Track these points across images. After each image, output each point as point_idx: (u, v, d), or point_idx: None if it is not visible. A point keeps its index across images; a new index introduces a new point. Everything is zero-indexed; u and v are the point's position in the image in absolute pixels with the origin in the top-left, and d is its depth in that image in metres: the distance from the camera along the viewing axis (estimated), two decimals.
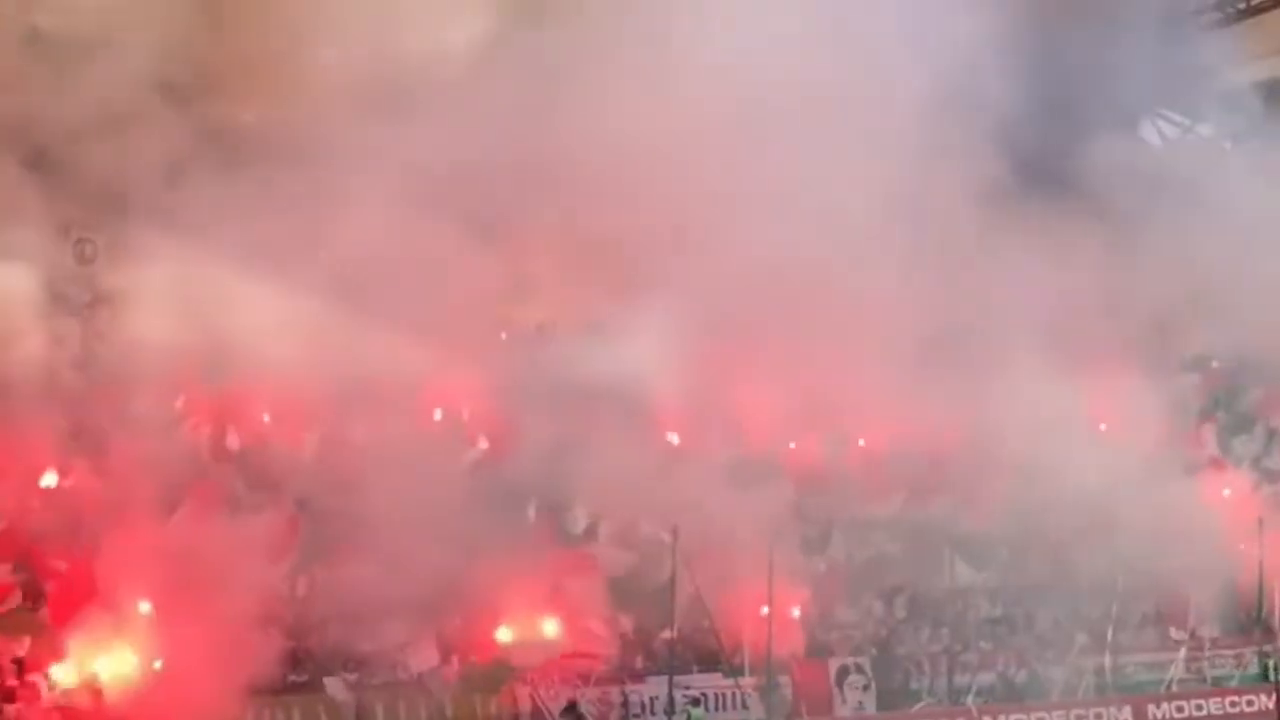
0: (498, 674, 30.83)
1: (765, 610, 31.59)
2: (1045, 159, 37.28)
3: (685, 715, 31.45)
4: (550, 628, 31.76)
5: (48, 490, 30.97)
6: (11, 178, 31.61)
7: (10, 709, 27.91)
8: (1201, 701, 34.66)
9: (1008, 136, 34.30)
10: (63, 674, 28.20)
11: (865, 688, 33.73)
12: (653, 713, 31.78)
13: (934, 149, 32.94)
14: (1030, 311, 34.90)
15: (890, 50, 33.20)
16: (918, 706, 33.58)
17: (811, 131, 33.04)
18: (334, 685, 30.08)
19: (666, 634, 31.90)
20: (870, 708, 33.56)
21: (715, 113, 33.26)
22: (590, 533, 34.28)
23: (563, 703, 31.03)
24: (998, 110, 33.59)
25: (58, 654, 28.21)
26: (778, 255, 32.81)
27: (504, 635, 31.56)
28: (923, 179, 33.24)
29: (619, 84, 32.56)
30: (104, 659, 28.20)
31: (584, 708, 31.08)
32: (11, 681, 28.31)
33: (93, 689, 27.91)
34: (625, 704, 31.68)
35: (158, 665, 28.23)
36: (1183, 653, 35.88)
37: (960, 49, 33.01)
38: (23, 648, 28.46)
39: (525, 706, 31.11)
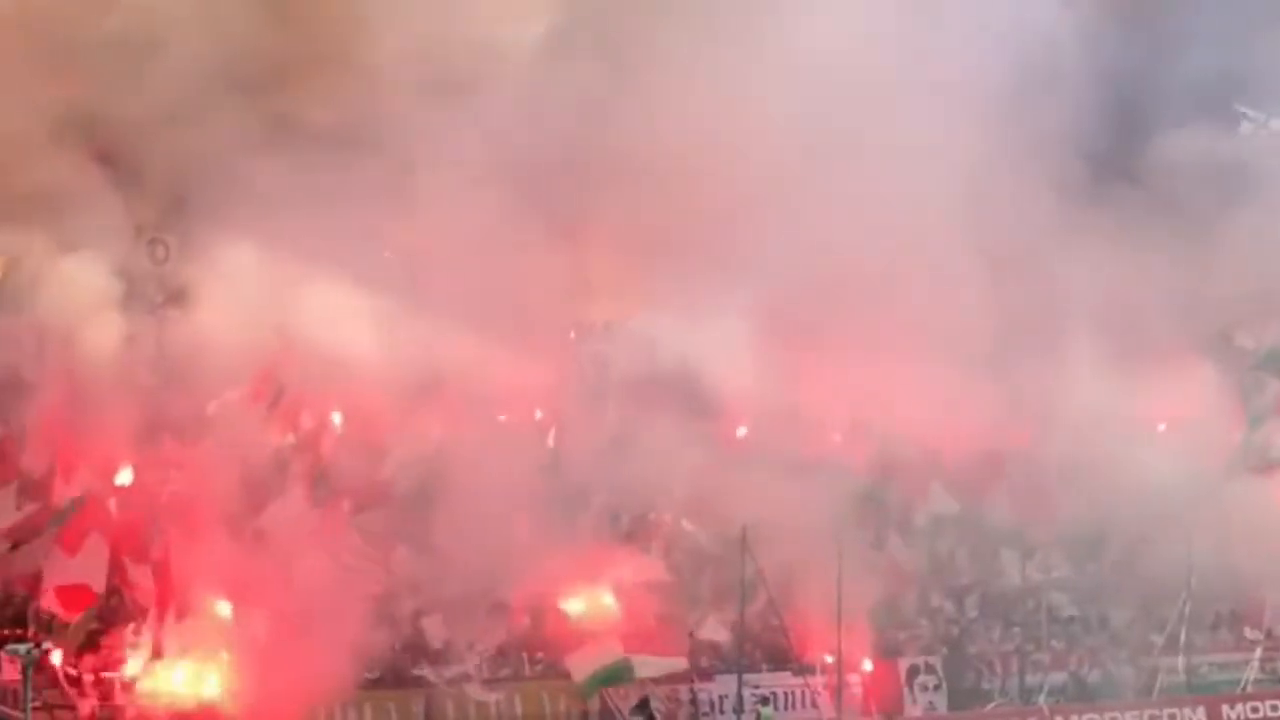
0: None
1: (837, 609, 31.59)
2: (1116, 152, 36.97)
3: (755, 714, 31.41)
4: (614, 624, 31.74)
5: (123, 488, 31.21)
6: (86, 178, 31.86)
7: (86, 705, 28.24)
8: (1277, 702, 34.35)
9: (1077, 130, 34.05)
10: (140, 673, 28.51)
11: (936, 687, 33.63)
12: (722, 711, 31.76)
13: (1003, 143, 32.75)
14: (1103, 307, 34.66)
15: (963, 43, 33.03)
16: (989, 706, 33.45)
17: (880, 125, 32.92)
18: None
19: (735, 632, 31.92)
20: (941, 707, 33.46)
21: (784, 107, 33.20)
22: (658, 530, 34.24)
23: (633, 701, 31.07)
24: (1067, 104, 33.36)
25: (137, 653, 28.57)
26: (844, 250, 32.73)
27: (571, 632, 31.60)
28: (991, 173, 33.04)
29: (690, 77, 32.56)
30: (180, 658, 28.49)
31: (655, 705, 31.10)
32: (87, 678, 28.63)
33: (170, 688, 28.22)
34: (694, 702, 31.68)
35: (231, 663, 28.50)
36: (1258, 653, 35.57)
37: (1033, 42, 32.81)
38: (99, 648, 28.80)
39: (594, 704, 31.16)
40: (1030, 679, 34.00)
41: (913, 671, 33.59)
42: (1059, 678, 34.24)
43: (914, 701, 33.33)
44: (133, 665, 28.45)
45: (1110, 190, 35.57)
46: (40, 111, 31.90)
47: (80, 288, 31.72)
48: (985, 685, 33.86)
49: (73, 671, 28.58)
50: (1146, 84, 38.73)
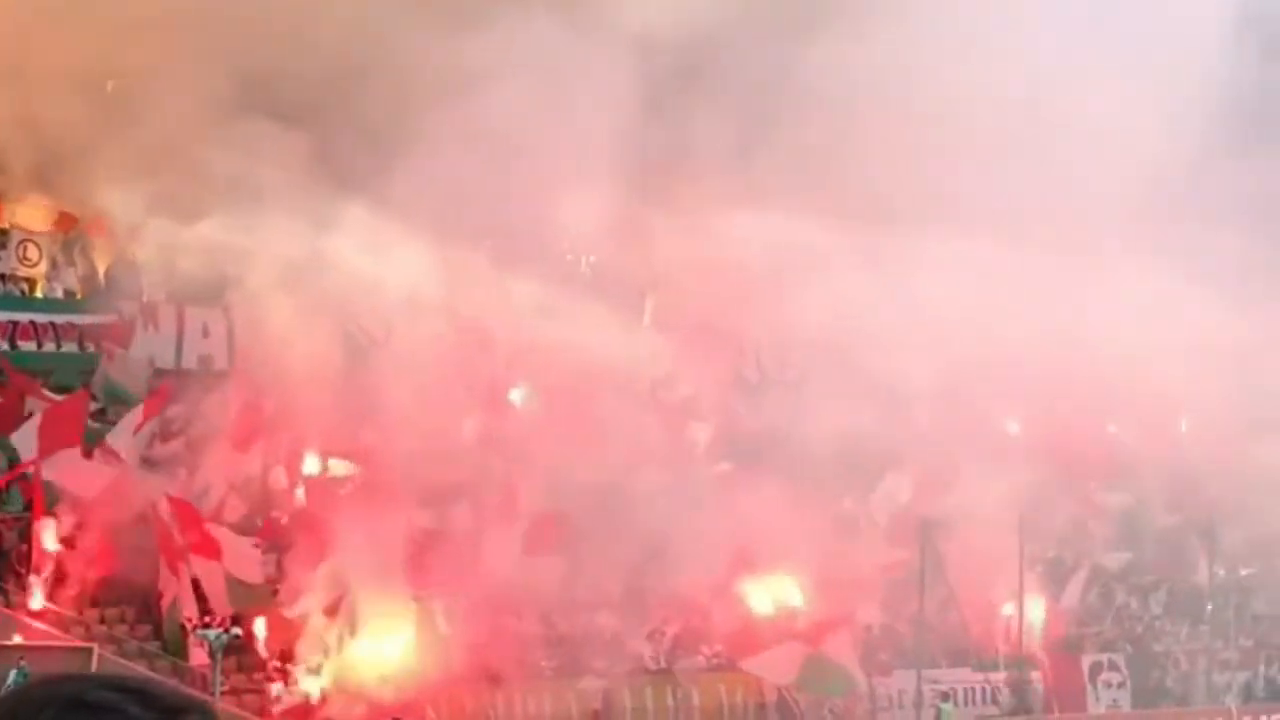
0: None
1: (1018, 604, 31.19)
2: None
3: (935, 710, 31.07)
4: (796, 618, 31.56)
5: (310, 477, 31.74)
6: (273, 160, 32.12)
7: (270, 688, 28.86)
8: None
9: None
10: (322, 658, 29.06)
11: (1120, 685, 33.07)
12: (900, 706, 31.47)
13: None
14: None
15: None
16: (1173, 705, 32.82)
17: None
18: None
19: (914, 627, 31.61)
20: (1125, 705, 32.91)
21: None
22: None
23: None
24: None
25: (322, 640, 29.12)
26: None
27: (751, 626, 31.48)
28: None
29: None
30: (359, 645, 29.00)
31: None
32: (274, 662, 29.25)
33: (355, 675, 28.76)
34: (872, 697, 31.42)
35: (415, 650, 28.94)
36: None
37: None
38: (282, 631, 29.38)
39: (771, 698, 31.08)
40: (1218, 678, 33.28)
41: (1096, 668, 33.06)
42: (1246, 676, 33.44)
43: (1097, 699, 32.81)
44: (319, 652, 28.99)
45: None
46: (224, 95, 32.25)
47: (268, 277, 32.15)
48: (1170, 684, 33.21)
49: (262, 656, 29.21)
50: None
